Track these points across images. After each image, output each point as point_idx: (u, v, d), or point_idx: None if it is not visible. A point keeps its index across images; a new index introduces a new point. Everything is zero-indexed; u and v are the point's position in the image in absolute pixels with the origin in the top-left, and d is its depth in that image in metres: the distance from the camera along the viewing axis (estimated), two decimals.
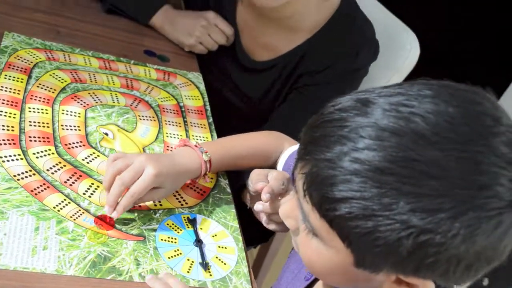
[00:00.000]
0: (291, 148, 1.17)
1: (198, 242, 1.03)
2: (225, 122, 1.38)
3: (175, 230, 1.03)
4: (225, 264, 1.02)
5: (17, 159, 1.03)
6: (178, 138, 1.25)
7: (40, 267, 0.88)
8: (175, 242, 1.01)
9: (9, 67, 1.23)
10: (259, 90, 1.55)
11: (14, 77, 1.21)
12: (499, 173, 0.61)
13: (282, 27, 1.49)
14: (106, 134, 1.17)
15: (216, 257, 1.02)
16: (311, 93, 1.48)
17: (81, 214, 0.99)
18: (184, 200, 1.10)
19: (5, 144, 1.05)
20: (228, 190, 1.17)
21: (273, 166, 1.18)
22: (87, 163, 1.09)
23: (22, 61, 1.26)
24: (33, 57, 1.29)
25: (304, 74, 1.49)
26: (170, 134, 1.25)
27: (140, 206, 1.05)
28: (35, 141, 1.09)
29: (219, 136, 1.29)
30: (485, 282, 1.72)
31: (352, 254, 0.68)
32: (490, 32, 2.79)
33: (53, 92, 1.22)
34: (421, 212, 0.60)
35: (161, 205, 1.07)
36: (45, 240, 0.92)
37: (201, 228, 1.06)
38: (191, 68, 1.52)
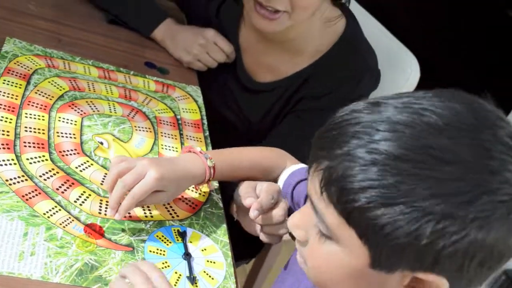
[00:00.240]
0: (293, 166, 1.17)
1: (187, 256, 1.03)
2: (220, 138, 1.38)
3: (165, 242, 1.03)
4: (212, 279, 1.01)
5: (10, 164, 1.04)
6: (173, 150, 1.25)
7: (26, 273, 0.88)
8: (164, 254, 1.01)
9: (8, 72, 1.23)
10: (258, 111, 1.56)
11: (12, 83, 1.21)
12: (507, 160, 0.64)
13: (285, 50, 1.49)
14: (101, 143, 1.18)
15: (204, 272, 1.02)
16: (309, 117, 1.48)
17: (70, 222, 0.99)
18: (175, 213, 1.10)
19: None
20: (220, 204, 1.17)
21: (274, 182, 1.18)
22: (80, 171, 1.09)
23: (21, 67, 1.27)
24: (33, 63, 1.30)
25: (304, 98, 1.49)
26: (166, 146, 1.25)
27: (130, 216, 1.05)
28: (29, 146, 1.09)
29: None
30: None
31: (369, 252, 0.67)
32: (495, 57, 2.79)
33: (50, 99, 1.22)
34: (440, 196, 0.62)
35: (152, 216, 1.07)
36: (33, 246, 0.92)
37: (190, 242, 1.06)
38: (190, 82, 1.53)
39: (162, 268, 0.98)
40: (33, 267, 0.89)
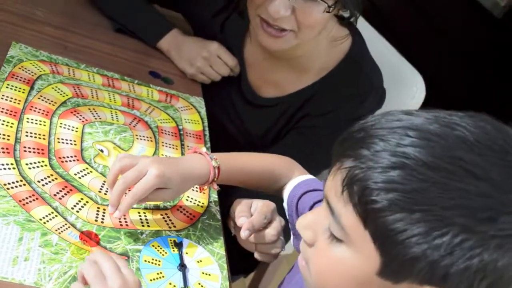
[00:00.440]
0: (300, 177, 1.17)
1: (182, 267, 1.03)
2: (221, 151, 1.38)
3: (160, 253, 1.03)
4: None
5: (9, 168, 1.04)
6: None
7: (19, 278, 0.87)
8: (159, 265, 1.01)
9: (12, 77, 1.24)
10: (260, 126, 1.55)
11: (16, 87, 1.21)
12: None
13: (291, 67, 1.49)
14: (102, 150, 1.18)
15: (199, 283, 1.01)
16: (311, 134, 1.47)
17: (66, 228, 0.99)
18: (172, 223, 1.10)
19: None
20: (218, 216, 1.17)
21: (280, 190, 1.18)
22: (79, 178, 1.09)
23: (26, 72, 1.27)
24: (38, 69, 1.30)
25: (308, 115, 1.49)
26: (166, 156, 1.25)
27: (127, 225, 1.04)
28: (29, 151, 1.09)
29: None
30: None
31: (380, 258, 0.67)
32: (503, 77, 2.79)
33: (53, 105, 1.22)
34: (463, 208, 0.62)
35: (148, 226, 1.07)
36: (27, 251, 0.92)
37: (186, 253, 1.06)
38: (194, 93, 1.53)
39: (157, 278, 0.98)
40: (26, 272, 0.89)
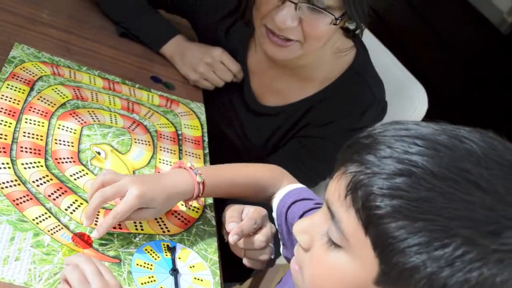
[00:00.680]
0: (289, 186, 1.16)
1: (174, 271, 1.02)
2: (220, 157, 1.38)
3: (153, 257, 1.03)
4: None
5: (4, 168, 1.04)
6: (170, 165, 1.25)
7: (9, 278, 0.87)
8: (151, 269, 1.01)
9: (13, 77, 1.24)
10: (261, 134, 1.55)
11: (16, 87, 1.22)
12: None
13: (294, 76, 1.49)
14: (99, 153, 1.18)
15: None
16: (310, 144, 1.47)
17: (59, 230, 0.99)
18: (166, 228, 1.09)
19: None
20: (213, 222, 1.17)
21: (268, 200, 1.18)
22: (75, 179, 1.10)
23: (27, 72, 1.27)
24: (39, 70, 1.30)
25: (308, 125, 1.49)
26: (163, 160, 1.25)
27: (121, 228, 1.04)
28: (26, 152, 1.09)
29: None
30: None
31: (379, 266, 0.66)
32: (507, 93, 2.79)
33: (52, 106, 1.23)
34: (468, 220, 0.62)
35: (142, 229, 1.06)
36: (18, 251, 0.92)
37: (179, 258, 1.05)
38: (195, 99, 1.53)
39: (148, 282, 0.98)
40: (16, 272, 0.89)
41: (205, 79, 1.54)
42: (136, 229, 1.06)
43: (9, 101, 1.18)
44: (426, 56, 2.99)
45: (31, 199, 1.01)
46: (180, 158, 1.28)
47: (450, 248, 0.62)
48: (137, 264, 1.00)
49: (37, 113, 1.19)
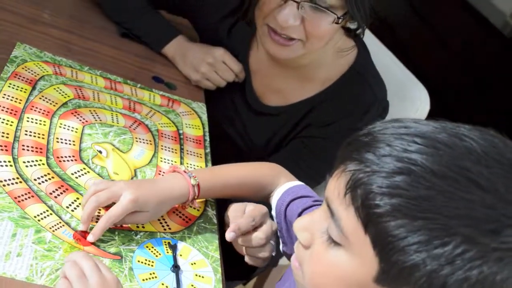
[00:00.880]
0: (287, 184, 1.17)
1: (175, 268, 1.02)
2: (222, 156, 1.38)
3: (154, 254, 1.03)
4: None
5: (6, 165, 1.04)
6: (172, 164, 1.25)
7: (10, 273, 0.88)
8: (152, 266, 1.01)
9: (15, 77, 1.24)
10: (263, 134, 1.55)
11: (18, 87, 1.22)
12: None
13: (296, 76, 1.49)
14: (100, 151, 1.18)
15: (192, 285, 1.01)
16: (311, 144, 1.48)
17: (61, 227, 0.99)
18: (167, 225, 1.10)
19: None
20: (215, 220, 1.17)
21: (267, 198, 1.18)
22: (76, 177, 1.10)
23: (29, 72, 1.28)
24: (41, 69, 1.31)
25: (310, 126, 1.49)
26: (164, 159, 1.25)
27: (122, 226, 1.04)
28: (27, 150, 1.10)
29: None
30: None
31: (379, 264, 0.66)
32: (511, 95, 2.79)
33: (54, 105, 1.23)
34: (468, 219, 0.62)
35: (143, 227, 1.07)
36: (20, 247, 0.92)
37: (180, 255, 1.06)
38: (197, 99, 1.53)
39: (149, 278, 0.98)
40: (18, 267, 0.89)
41: (207, 79, 1.55)
42: (137, 227, 1.06)
43: (11, 100, 1.18)
44: (427, 58, 2.99)
45: (32, 196, 1.02)
46: (181, 157, 1.29)
47: (450, 246, 0.62)
48: (138, 261, 1.00)
49: (39, 112, 1.20)
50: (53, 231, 0.98)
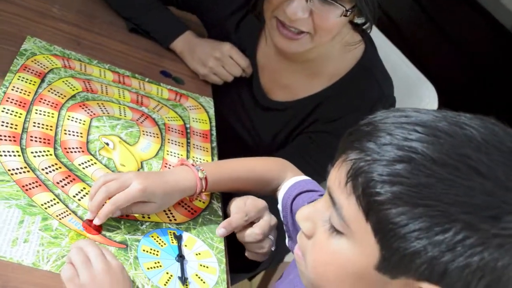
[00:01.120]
0: (294, 178, 1.17)
1: (180, 257, 1.04)
2: (229, 151, 1.39)
3: (159, 243, 1.04)
4: (204, 282, 1.02)
5: (14, 155, 1.06)
6: (178, 157, 1.26)
7: (17, 258, 0.89)
8: (157, 255, 1.02)
9: (24, 69, 1.26)
10: (269, 129, 1.56)
11: (27, 79, 1.24)
12: None
13: (303, 71, 1.50)
14: (107, 144, 1.20)
15: (196, 275, 1.02)
16: (318, 139, 1.48)
17: (67, 215, 1.00)
18: (173, 216, 1.11)
19: (5, 140, 1.08)
20: (220, 213, 1.18)
21: (273, 193, 1.19)
22: (83, 168, 1.11)
23: (38, 65, 1.29)
24: (50, 62, 1.32)
25: (317, 121, 1.50)
26: (171, 152, 1.27)
27: (128, 215, 1.06)
28: (35, 141, 1.11)
29: None
30: None
31: (380, 252, 0.67)
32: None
33: (62, 98, 1.25)
34: (468, 205, 0.62)
35: (149, 217, 1.08)
36: (27, 233, 0.93)
37: (185, 245, 1.07)
38: (204, 93, 1.54)
39: (154, 267, 0.99)
40: (25, 253, 0.90)
41: (214, 74, 1.56)
42: (143, 217, 1.07)
43: (20, 92, 1.20)
44: (435, 56, 2.99)
45: (40, 185, 1.03)
46: (188, 151, 1.30)
47: (451, 233, 0.62)
48: (144, 250, 1.01)
49: (47, 104, 1.21)
50: (60, 219, 0.99)
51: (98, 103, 1.29)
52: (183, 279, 1.00)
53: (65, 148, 1.13)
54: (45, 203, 1.00)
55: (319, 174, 1.46)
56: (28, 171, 1.04)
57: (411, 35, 2.96)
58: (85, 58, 1.41)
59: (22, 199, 0.98)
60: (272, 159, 1.25)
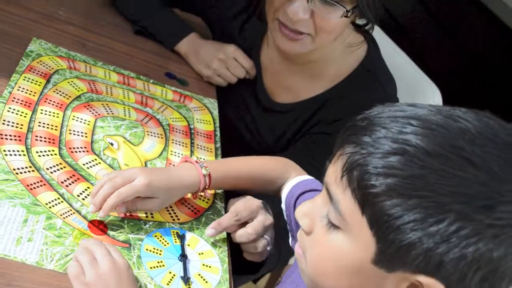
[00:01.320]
0: (297, 177, 1.18)
1: (183, 257, 1.04)
2: (230, 151, 1.40)
3: (162, 243, 1.05)
4: (206, 282, 1.03)
5: (19, 155, 1.07)
6: (182, 157, 1.27)
7: (21, 257, 0.90)
8: (160, 254, 1.03)
9: (30, 70, 1.27)
10: (273, 130, 1.57)
11: (33, 80, 1.25)
12: None
13: (306, 72, 1.51)
14: (111, 144, 1.21)
15: (199, 274, 1.03)
16: (321, 140, 1.49)
17: (71, 214, 1.01)
18: (176, 216, 1.12)
19: (11, 139, 1.09)
20: (223, 212, 1.19)
21: (277, 192, 1.20)
22: (87, 168, 1.12)
23: (43, 66, 1.31)
24: (55, 64, 1.34)
25: (320, 122, 1.50)
26: (175, 152, 1.28)
27: (131, 215, 1.07)
28: (40, 140, 1.12)
29: None
30: None
31: (376, 245, 0.67)
32: None
33: (67, 99, 1.26)
34: (461, 196, 0.63)
35: (152, 217, 1.09)
36: (31, 232, 0.94)
37: (188, 245, 1.07)
38: (208, 95, 1.55)
39: (157, 267, 1.00)
40: (29, 252, 0.91)
41: (218, 75, 1.57)
42: (146, 217, 1.08)
43: (26, 92, 1.21)
44: (439, 58, 2.99)
45: (44, 184, 1.04)
46: (191, 151, 1.31)
47: (445, 223, 0.63)
48: (147, 249, 1.02)
49: (53, 104, 1.22)
50: (64, 218, 1.00)
51: (103, 104, 1.30)
52: (186, 279, 1.01)
53: (70, 148, 1.14)
54: (49, 202, 1.01)
55: (322, 174, 1.46)
56: (33, 171, 1.05)
57: (414, 36, 2.96)
58: (90, 59, 1.42)
59: (26, 198, 0.99)
60: (276, 159, 1.26)
